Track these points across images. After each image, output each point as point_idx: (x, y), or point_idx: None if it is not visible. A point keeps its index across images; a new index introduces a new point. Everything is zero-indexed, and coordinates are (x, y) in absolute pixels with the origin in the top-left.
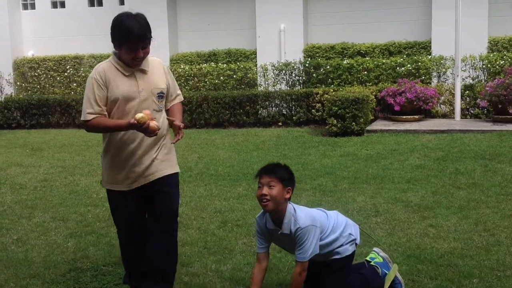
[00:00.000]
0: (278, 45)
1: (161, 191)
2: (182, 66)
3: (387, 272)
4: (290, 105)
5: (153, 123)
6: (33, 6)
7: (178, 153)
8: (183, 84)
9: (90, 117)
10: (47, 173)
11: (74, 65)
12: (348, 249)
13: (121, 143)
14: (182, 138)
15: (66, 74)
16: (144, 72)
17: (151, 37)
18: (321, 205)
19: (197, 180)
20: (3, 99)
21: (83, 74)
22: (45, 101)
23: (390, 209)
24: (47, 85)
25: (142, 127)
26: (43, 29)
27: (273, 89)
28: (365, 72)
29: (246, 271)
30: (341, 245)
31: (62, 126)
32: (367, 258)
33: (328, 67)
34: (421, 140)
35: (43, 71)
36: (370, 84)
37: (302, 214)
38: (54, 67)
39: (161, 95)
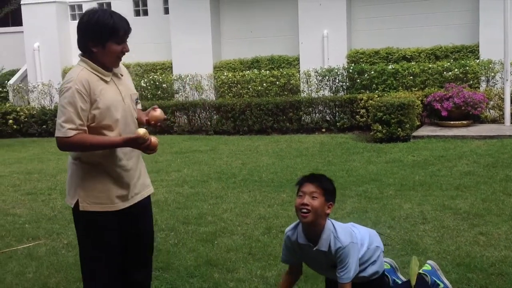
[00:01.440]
0: (321, 51)
1: (146, 212)
2: (225, 73)
3: (436, 279)
4: (334, 111)
5: (154, 139)
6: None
7: (222, 159)
8: (226, 91)
9: (72, 133)
10: None
11: None
12: (382, 263)
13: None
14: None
15: None
16: (118, 76)
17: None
18: (367, 212)
19: (241, 187)
20: (53, 107)
21: None
22: None
23: (438, 216)
24: None
25: (145, 144)
26: None
27: (316, 95)
28: (411, 77)
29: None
30: (375, 262)
31: None
32: (418, 271)
33: (372, 72)
34: (469, 146)
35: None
36: (416, 89)
37: (342, 232)
38: None
39: (137, 101)
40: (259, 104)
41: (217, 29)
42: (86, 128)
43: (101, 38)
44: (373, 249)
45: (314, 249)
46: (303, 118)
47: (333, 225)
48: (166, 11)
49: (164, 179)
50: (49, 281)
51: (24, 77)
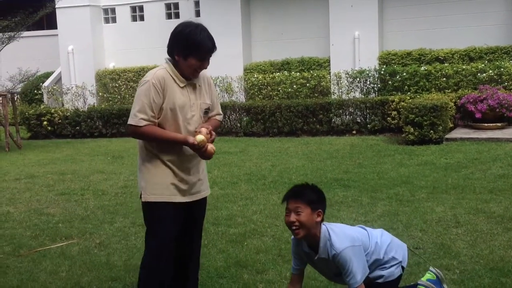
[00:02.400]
0: (352, 52)
1: (202, 211)
2: (255, 75)
3: None
4: (365, 113)
5: (210, 147)
6: (114, 20)
7: (252, 161)
8: (256, 93)
9: (143, 123)
10: (127, 180)
11: None
12: (394, 273)
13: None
14: (212, 139)
15: None
16: (195, 86)
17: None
18: (398, 215)
19: (271, 188)
20: (86, 109)
21: None
22: (125, 111)
23: (472, 220)
24: (127, 95)
25: (201, 150)
26: (124, 41)
27: (347, 97)
28: (444, 79)
29: (321, 280)
30: (385, 268)
31: None
32: (422, 279)
33: (404, 74)
34: (504, 148)
35: (123, 82)
36: (449, 91)
37: (336, 237)
38: (134, 78)
39: (206, 111)
40: (289, 106)
41: (248, 31)
42: (156, 120)
43: (185, 50)
44: (389, 259)
45: (316, 257)
46: (333, 120)
47: (329, 231)
48: (198, 13)
49: None
50: (81, 280)
51: (59, 80)
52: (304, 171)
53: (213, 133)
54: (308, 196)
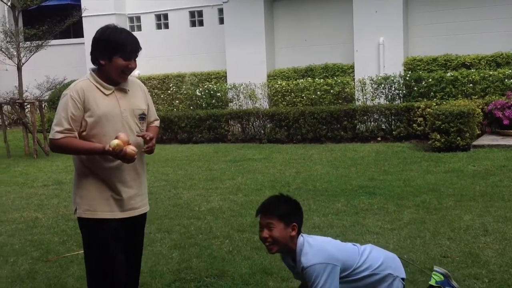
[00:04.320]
0: (377, 58)
1: (141, 230)
2: (279, 82)
3: None
4: (390, 120)
5: (129, 149)
6: (139, 28)
7: (276, 168)
8: (280, 100)
9: (59, 136)
10: (152, 186)
11: (177, 83)
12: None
13: (105, 159)
14: (152, 147)
15: (169, 92)
16: (124, 91)
17: (141, 49)
18: (425, 223)
19: (295, 195)
20: None
21: (184, 92)
22: None
23: (501, 228)
24: None
25: (119, 155)
26: (148, 49)
27: (372, 104)
28: (471, 85)
29: None
30: (388, 286)
31: (166, 142)
32: (430, 283)
33: (430, 80)
34: None
35: (148, 89)
36: (476, 97)
37: (310, 251)
38: (158, 85)
39: (142, 117)
40: (313, 113)
41: (271, 38)
42: (75, 133)
43: (108, 52)
44: (385, 276)
45: (296, 270)
46: (357, 126)
47: (304, 244)
48: (221, 21)
49: (219, 187)
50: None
51: None
52: (328, 178)
53: (148, 136)
54: (280, 210)
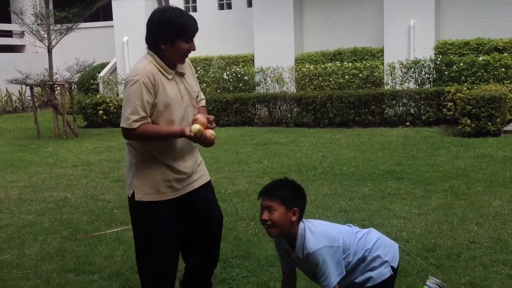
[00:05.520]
0: (407, 42)
1: (203, 199)
2: (306, 66)
3: None
4: (419, 104)
5: (209, 133)
6: None
7: (302, 152)
8: (307, 84)
9: (136, 125)
10: None
11: (204, 66)
12: (384, 273)
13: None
14: (213, 126)
15: (197, 75)
16: (181, 75)
17: None
18: (453, 208)
19: (321, 179)
20: None
21: (212, 75)
22: None
23: None
24: None
25: (201, 139)
26: None
27: (401, 88)
28: (503, 69)
29: None
30: (374, 268)
31: None
32: None
33: (461, 64)
34: None
35: None
36: (509, 82)
37: (313, 236)
38: None
39: (196, 98)
40: (340, 97)
41: (300, 21)
42: (149, 120)
43: (171, 35)
44: (374, 258)
45: (293, 255)
46: (386, 111)
47: (305, 230)
48: (250, 4)
49: (245, 170)
50: (135, 264)
51: (114, 70)
52: (355, 163)
53: (211, 118)
54: (283, 193)
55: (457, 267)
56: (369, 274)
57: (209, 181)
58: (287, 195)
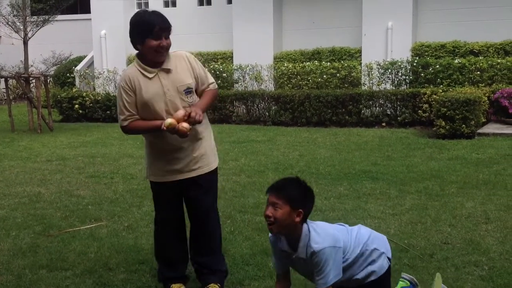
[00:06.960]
0: (385, 43)
1: (201, 187)
2: (285, 64)
3: None
4: (395, 105)
5: (182, 126)
6: (146, 5)
7: (279, 150)
8: (285, 82)
9: (125, 123)
10: None
11: None
12: (383, 265)
13: (163, 136)
14: (196, 120)
15: None
16: (167, 71)
17: (171, 26)
18: (427, 209)
19: None
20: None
21: None
22: None
23: (502, 216)
24: None
25: (173, 132)
26: None
27: (378, 89)
28: (478, 72)
29: None
30: (374, 262)
31: None
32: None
33: (437, 66)
34: None
35: None
36: (483, 85)
37: (318, 236)
38: None
39: (188, 91)
40: (318, 96)
41: (279, 19)
42: (137, 116)
43: (140, 35)
44: (371, 251)
45: (294, 256)
46: (363, 111)
47: (310, 230)
48: (229, 1)
49: (222, 168)
50: (109, 261)
51: (91, 64)
52: (331, 162)
53: (195, 113)
54: (290, 193)
55: (429, 267)
56: (370, 268)
57: (210, 172)
58: (295, 196)
